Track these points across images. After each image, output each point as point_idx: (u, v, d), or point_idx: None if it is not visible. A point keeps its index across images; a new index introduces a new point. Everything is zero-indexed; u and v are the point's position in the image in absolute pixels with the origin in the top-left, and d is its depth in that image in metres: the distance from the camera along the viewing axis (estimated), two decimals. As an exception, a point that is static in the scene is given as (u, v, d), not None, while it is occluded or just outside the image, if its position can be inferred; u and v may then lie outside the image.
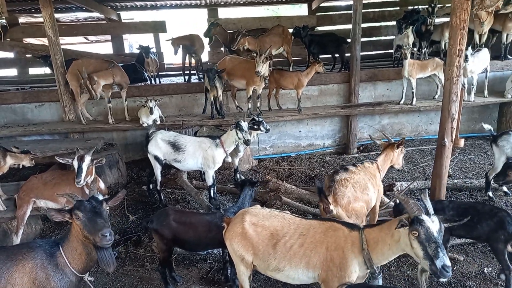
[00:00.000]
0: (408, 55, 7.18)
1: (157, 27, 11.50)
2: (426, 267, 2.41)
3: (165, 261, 3.75)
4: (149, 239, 4.83)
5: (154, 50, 9.02)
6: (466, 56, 7.06)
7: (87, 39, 14.95)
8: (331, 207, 3.45)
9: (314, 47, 8.95)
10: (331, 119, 8.53)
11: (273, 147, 8.58)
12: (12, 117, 7.86)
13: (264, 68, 6.53)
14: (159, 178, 5.66)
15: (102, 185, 5.01)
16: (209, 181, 5.60)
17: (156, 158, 5.56)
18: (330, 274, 2.81)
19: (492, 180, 5.27)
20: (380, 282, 2.83)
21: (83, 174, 4.60)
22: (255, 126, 5.66)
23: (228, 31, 8.77)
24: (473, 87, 7.65)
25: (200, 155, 5.46)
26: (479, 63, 7.50)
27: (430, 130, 8.83)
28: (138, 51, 9.16)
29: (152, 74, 8.49)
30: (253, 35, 8.14)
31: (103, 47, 15.01)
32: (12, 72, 11.79)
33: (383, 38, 11.53)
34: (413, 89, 7.62)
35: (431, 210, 2.51)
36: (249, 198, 4.08)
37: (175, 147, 5.49)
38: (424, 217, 2.41)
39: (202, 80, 7.88)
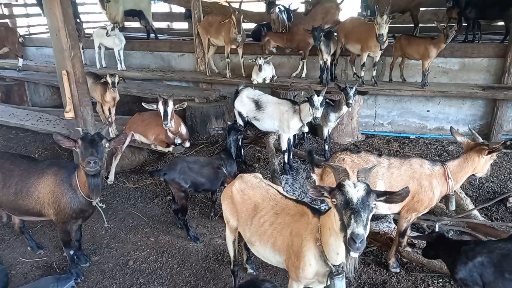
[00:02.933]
0: None
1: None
2: (345, 242, 1.94)
3: (185, 208, 4.03)
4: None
5: (290, 7, 8.95)
6: None
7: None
8: (314, 176, 3.31)
9: (471, 10, 7.25)
10: (472, 101, 6.93)
11: (391, 124, 7.62)
12: (161, 63, 9.29)
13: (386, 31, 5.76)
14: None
15: (183, 130, 5.59)
16: (284, 145, 5.50)
17: (240, 114, 5.77)
18: (290, 262, 2.53)
19: None
20: (339, 285, 2.35)
21: (169, 117, 5.24)
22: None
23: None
24: None
25: (277, 117, 5.39)
26: None
27: None
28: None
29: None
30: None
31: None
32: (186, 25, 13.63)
33: None
34: None
35: (363, 179, 2.05)
36: (233, 143, 4.63)
37: (258, 105, 5.57)
38: (346, 182, 1.98)
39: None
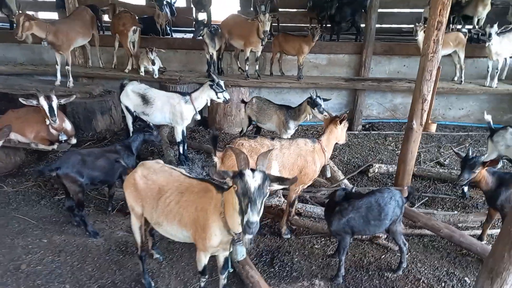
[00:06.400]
0: (420, 32, 6.46)
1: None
2: (242, 225, 2.26)
3: (81, 203, 3.92)
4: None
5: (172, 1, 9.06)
6: (490, 35, 6.25)
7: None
8: (215, 159, 3.56)
9: (336, 14, 8.34)
10: (338, 91, 8.06)
11: (274, 113, 8.35)
12: (31, 56, 8.41)
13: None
14: (130, 128, 5.78)
15: (68, 125, 5.27)
16: (178, 137, 5.63)
17: (127, 109, 5.64)
18: (197, 235, 2.76)
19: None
20: (240, 251, 2.70)
21: (56, 113, 4.88)
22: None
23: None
24: (497, 72, 6.77)
25: (168, 110, 5.46)
26: (509, 45, 6.57)
27: (448, 116, 8.06)
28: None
29: (162, 26, 8.51)
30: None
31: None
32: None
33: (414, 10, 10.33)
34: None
35: (261, 167, 2.32)
36: (139, 139, 4.61)
37: (145, 100, 5.51)
38: (246, 171, 2.24)
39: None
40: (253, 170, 2.25)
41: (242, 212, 2.22)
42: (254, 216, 2.16)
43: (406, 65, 7.92)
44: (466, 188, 4.86)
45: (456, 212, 4.65)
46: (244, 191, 2.20)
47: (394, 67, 7.97)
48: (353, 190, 3.76)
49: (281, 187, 4.11)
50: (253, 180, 2.20)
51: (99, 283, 3.37)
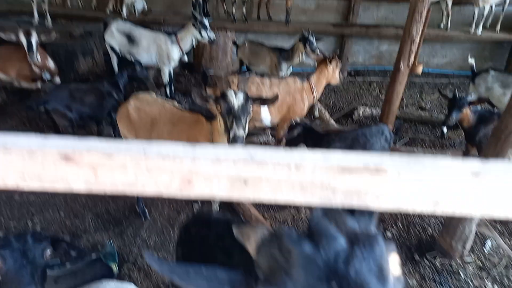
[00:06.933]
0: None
1: None
2: (228, 141, 2.41)
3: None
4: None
5: None
6: (478, -20, 6.23)
7: None
8: (205, 93, 3.59)
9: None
10: (326, 37, 7.98)
11: (260, 60, 8.28)
12: (4, -5, 7.93)
13: None
14: (115, 69, 5.69)
15: (51, 64, 5.14)
16: (165, 78, 5.58)
17: (112, 49, 5.52)
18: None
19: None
20: None
21: (35, 49, 4.72)
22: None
23: None
24: (483, 19, 6.81)
25: (154, 51, 5.37)
26: (497, -10, 6.58)
27: (432, 63, 8.17)
28: None
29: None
30: None
31: None
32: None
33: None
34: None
35: (242, 87, 2.46)
36: (125, 75, 4.46)
37: (130, 39, 5.39)
38: (229, 92, 2.35)
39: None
40: (234, 92, 2.35)
41: (228, 130, 2.32)
42: (240, 131, 2.29)
43: (394, 12, 7.86)
44: (445, 129, 5.07)
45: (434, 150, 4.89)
46: (228, 109, 2.31)
47: (382, 13, 7.90)
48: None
49: (270, 124, 4.24)
50: (235, 99, 2.32)
51: (93, 211, 3.48)
